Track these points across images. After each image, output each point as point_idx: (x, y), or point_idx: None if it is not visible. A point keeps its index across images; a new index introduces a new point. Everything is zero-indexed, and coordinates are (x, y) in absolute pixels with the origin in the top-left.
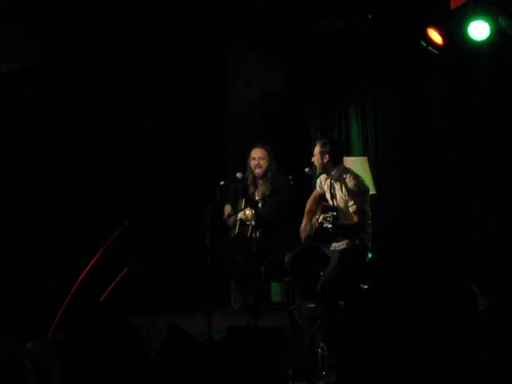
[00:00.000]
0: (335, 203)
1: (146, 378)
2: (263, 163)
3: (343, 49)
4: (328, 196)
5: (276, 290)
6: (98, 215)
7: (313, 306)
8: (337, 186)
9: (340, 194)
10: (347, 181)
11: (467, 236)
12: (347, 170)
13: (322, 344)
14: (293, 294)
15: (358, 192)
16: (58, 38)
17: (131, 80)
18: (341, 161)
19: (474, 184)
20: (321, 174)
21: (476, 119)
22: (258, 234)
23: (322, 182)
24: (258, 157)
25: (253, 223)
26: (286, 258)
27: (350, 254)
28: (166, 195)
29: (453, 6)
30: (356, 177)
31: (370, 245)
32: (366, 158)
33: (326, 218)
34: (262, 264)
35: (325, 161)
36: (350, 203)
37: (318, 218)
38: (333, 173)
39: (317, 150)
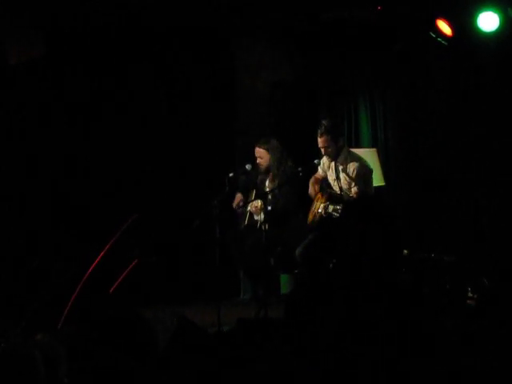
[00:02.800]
0: (339, 185)
1: (155, 370)
2: (263, 162)
3: (352, 40)
4: (331, 178)
5: (285, 282)
6: (107, 207)
7: None
8: (341, 168)
9: (344, 175)
10: (351, 163)
11: (475, 227)
12: (351, 153)
13: None
14: None
15: (361, 174)
16: (64, 31)
17: (139, 76)
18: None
19: (483, 176)
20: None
21: (486, 110)
22: (267, 225)
23: (325, 165)
24: (257, 156)
25: (261, 218)
26: (297, 251)
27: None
28: (176, 187)
29: None
30: (359, 159)
31: None
32: (375, 149)
33: (337, 209)
34: (272, 255)
35: (340, 144)
36: (352, 184)
37: (328, 208)
38: (339, 156)
39: (325, 138)
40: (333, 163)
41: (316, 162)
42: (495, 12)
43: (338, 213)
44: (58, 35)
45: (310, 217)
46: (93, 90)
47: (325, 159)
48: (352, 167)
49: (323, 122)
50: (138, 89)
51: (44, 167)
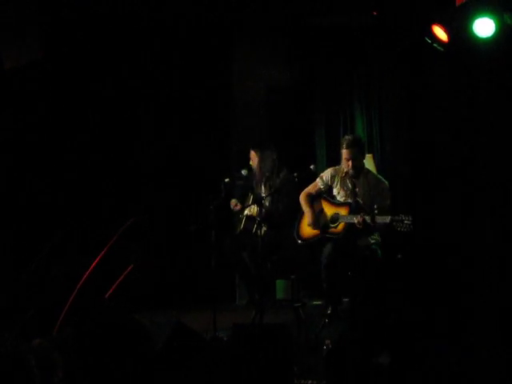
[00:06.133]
0: (354, 197)
1: (151, 374)
2: (253, 164)
3: (348, 45)
4: (343, 194)
5: (281, 287)
6: (104, 212)
7: (318, 303)
8: (361, 182)
9: (363, 190)
10: (380, 181)
11: (473, 233)
12: (369, 170)
13: (327, 341)
14: (298, 291)
15: (388, 191)
16: (63, 33)
17: (136, 80)
18: None
19: (479, 181)
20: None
21: (481, 116)
22: (263, 230)
23: (334, 178)
24: (252, 158)
25: (258, 218)
26: (323, 263)
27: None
28: (172, 192)
29: (458, 2)
30: (379, 178)
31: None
32: (370, 155)
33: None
34: (268, 260)
35: (364, 159)
36: (379, 199)
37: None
38: (362, 170)
39: (352, 150)
40: (349, 179)
41: (312, 167)
42: (491, 18)
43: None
44: (63, 30)
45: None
46: (91, 94)
47: (333, 172)
48: (382, 185)
49: (347, 137)
50: (135, 93)
51: (43, 169)
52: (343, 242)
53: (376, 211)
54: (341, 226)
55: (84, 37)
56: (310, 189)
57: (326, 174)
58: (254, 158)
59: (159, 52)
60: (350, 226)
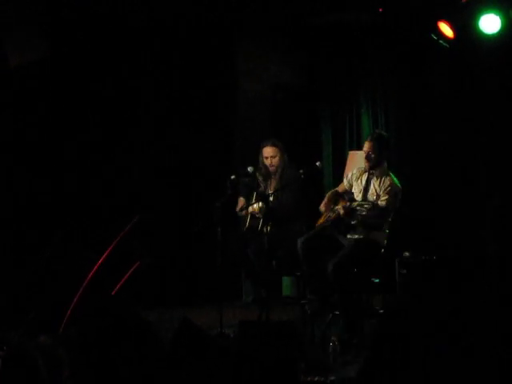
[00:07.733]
0: (365, 196)
1: (158, 372)
2: (275, 161)
3: (353, 43)
4: (357, 189)
5: (287, 284)
6: (109, 209)
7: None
8: (375, 182)
9: (375, 187)
10: (387, 178)
11: (474, 232)
12: (387, 171)
13: (333, 337)
14: (304, 288)
15: (394, 190)
16: (63, 32)
17: (140, 78)
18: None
19: (479, 181)
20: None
21: (487, 112)
22: (268, 227)
23: (354, 177)
24: (269, 156)
25: (260, 216)
26: (299, 243)
27: (365, 243)
28: (178, 189)
29: None
30: (393, 178)
31: (385, 241)
32: None
33: (364, 205)
34: (274, 258)
35: (382, 156)
36: (382, 196)
37: (350, 205)
38: (377, 169)
39: (370, 144)
40: (365, 174)
41: (318, 164)
42: (497, 14)
43: (365, 208)
44: (68, 29)
45: (321, 220)
46: (91, 93)
47: (354, 171)
48: (388, 181)
49: (376, 130)
50: (138, 92)
51: (45, 168)
52: (326, 229)
53: (367, 206)
54: (334, 216)
55: (84, 37)
56: (338, 188)
57: (350, 172)
58: (276, 154)
59: (159, 52)
60: (337, 216)
